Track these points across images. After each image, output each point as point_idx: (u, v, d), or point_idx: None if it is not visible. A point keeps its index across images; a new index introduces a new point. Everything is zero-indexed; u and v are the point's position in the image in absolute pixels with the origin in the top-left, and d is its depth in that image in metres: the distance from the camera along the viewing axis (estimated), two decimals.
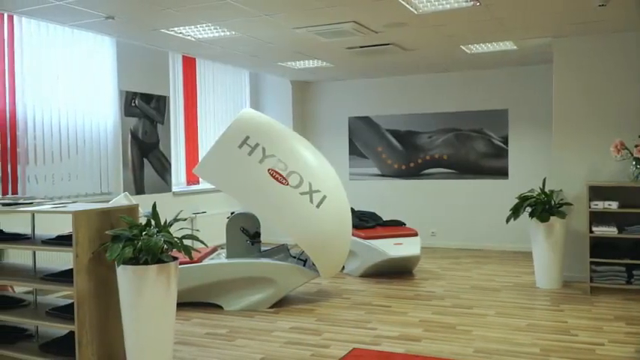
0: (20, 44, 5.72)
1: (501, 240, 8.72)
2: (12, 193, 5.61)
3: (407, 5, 5.16)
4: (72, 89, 6.32)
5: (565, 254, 6.29)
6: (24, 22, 5.72)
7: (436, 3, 5.17)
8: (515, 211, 6.35)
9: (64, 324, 3.79)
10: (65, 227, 3.91)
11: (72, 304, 3.74)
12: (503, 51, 7.32)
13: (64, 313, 3.85)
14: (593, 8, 5.34)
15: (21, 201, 4.32)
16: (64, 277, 3.87)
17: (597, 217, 6.13)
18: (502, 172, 8.78)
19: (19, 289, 4.88)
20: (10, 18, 5.59)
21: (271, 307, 5.60)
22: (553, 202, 6.22)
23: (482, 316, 5.20)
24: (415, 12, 5.37)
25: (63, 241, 3.86)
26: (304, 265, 5.73)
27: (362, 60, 7.85)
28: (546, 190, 6.36)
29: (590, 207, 5.99)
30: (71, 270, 3.71)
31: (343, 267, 6.86)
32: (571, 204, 6.32)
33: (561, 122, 6.59)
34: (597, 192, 6.13)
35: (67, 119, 6.27)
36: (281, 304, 5.68)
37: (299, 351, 4.37)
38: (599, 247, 6.01)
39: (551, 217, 6.11)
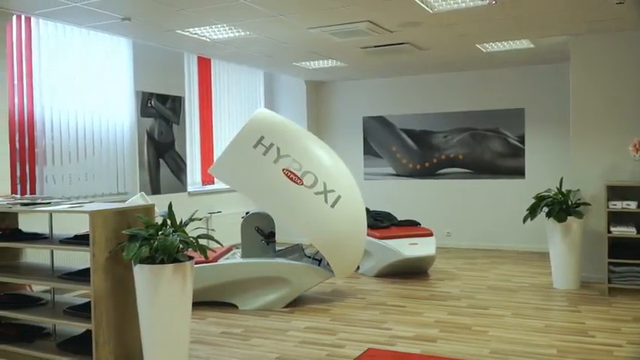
0: (37, 46, 5.79)
1: (518, 240, 8.65)
2: (30, 193, 5.68)
3: (422, 4, 5.14)
4: (89, 90, 6.38)
5: (582, 255, 6.23)
6: (41, 23, 5.78)
7: (451, 2, 5.15)
8: (532, 211, 6.30)
9: (81, 323, 3.82)
10: (82, 227, 3.94)
11: (89, 302, 3.77)
12: (520, 49, 7.26)
13: (82, 311, 3.89)
14: (611, 6, 5.28)
15: (39, 201, 4.37)
16: (82, 276, 3.90)
17: (616, 217, 6.05)
18: (518, 172, 8.71)
19: (37, 287, 4.93)
20: (28, 20, 5.65)
21: (286, 306, 5.61)
22: (570, 202, 6.16)
23: (498, 317, 5.16)
24: (430, 11, 5.35)
25: (80, 240, 3.90)
26: (319, 265, 5.73)
27: (376, 59, 7.83)
28: (563, 189, 6.30)
29: (608, 207, 5.93)
30: (88, 269, 3.74)
31: (358, 267, 6.85)
32: (589, 204, 6.26)
33: (579, 121, 6.52)
34: (615, 192, 6.05)
35: (84, 120, 6.33)
36: (296, 303, 5.69)
37: (314, 350, 4.37)
38: (618, 248, 5.94)
39: (569, 217, 6.05)
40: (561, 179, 6.50)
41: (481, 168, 8.96)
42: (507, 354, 4.20)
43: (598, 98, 6.44)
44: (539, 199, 6.33)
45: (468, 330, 4.80)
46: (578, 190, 6.42)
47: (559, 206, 6.12)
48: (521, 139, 8.68)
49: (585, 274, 6.36)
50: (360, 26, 5.80)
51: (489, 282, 6.59)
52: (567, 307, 5.47)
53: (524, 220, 6.31)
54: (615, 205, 5.91)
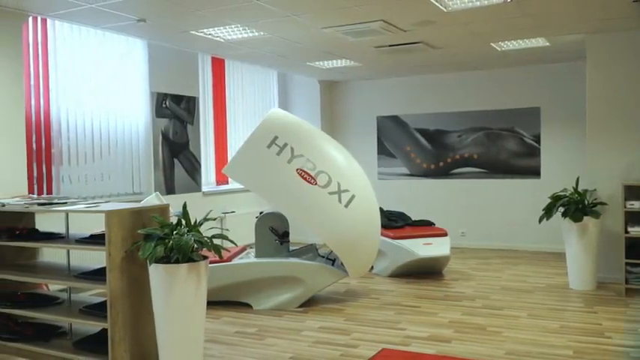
0: (53, 47, 5.84)
1: (533, 240, 8.58)
2: (47, 193, 5.73)
3: (436, 3, 5.11)
4: (104, 91, 6.43)
5: (599, 255, 6.16)
6: (57, 25, 5.84)
7: (466, 0, 5.12)
8: (548, 211, 6.25)
9: (97, 321, 3.85)
10: (98, 226, 3.97)
11: (105, 301, 3.80)
12: (535, 48, 7.20)
13: (97, 310, 3.92)
14: (627, 4, 5.22)
15: (55, 201, 4.41)
16: (98, 275, 3.94)
17: (633, 217, 5.98)
18: (534, 172, 8.64)
19: (54, 287, 4.98)
20: (44, 21, 5.71)
21: (300, 306, 5.61)
22: (586, 202, 6.10)
23: (513, 318, 5.13)
24: (444, 10, 5.32)
25: (96, 240, 3.93)
26: (333, 265, 5.73)
27: (390, 59, 7.81)
28: (580, 189, 6.23)
29: (625, 207, 5.86)
30: (104, 268, 3.77)
31: (372, 267, 6.83)
32: (605, 203, 6.19)
33: (595, 120, 6.45)
34: (633, 191, 5.98)
35: (100, 121, 6.38)
36: (310, 303, 5.69)
37: (328, 350, 4.37)
38: (635, 248, 5.86)
39: (585, 217, 5.99)
40: (577, 179, 6.43)
41: (496, 167, 8.90)
42: (522, 355, 4.17)
43: (615, 97, 6.36)
44: (556, 199, 6.27)
45: (483, 331, 4.77)
46: (595, 189, 6.35)
47: (575, 206, 6.06)
48: (537, 139, 8.61)
49: (602, 275, 6.29)
50: (374, 26, 5.79)
51: (504, 282, 6.55)
52: (583, 308, 5.42)
53: (540, 220, 6.26)
54: (633, 204, 5.84)
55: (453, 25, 5.93)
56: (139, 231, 3.78)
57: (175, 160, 7.32)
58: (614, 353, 4.17)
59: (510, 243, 8.79)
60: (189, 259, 3.70)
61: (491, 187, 8.93)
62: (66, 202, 4.30)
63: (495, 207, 8.90)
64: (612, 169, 6.34)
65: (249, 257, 5.82)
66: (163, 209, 4.12)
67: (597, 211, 6.04)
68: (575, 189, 6.22)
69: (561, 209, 6.18)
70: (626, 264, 5.85)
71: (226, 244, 4.09)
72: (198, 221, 3.93)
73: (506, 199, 8.82)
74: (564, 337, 4.56)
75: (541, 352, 4.22)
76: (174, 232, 3.78)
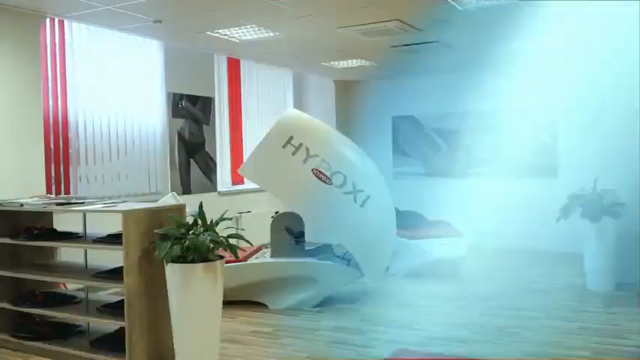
0: (71, 48, 5.89)
1: (551, 241, 8.47)
2: (64, 193, 5.79)
3: (451, 2, 5.09)
4: (121, 92, 6.47)
5: (617, 256, 6.07)
6: (74, 26, 5.89)
7: None
8: (566, 211, 6.18)
9: (114, 320, 3.88)
10: (115, 226, 4.00)
11: (122, 300, 3.82)
12: None
13: (115, 309, 3.95)
14: None
15: (73, 201, 4.45)
16: (115, 274, 3.96)
17: None
18: (552, 171, 8.55)
19: (72, 286, 5.03)
20: (61, 22, 5.76)
21: (315, 306, 5.60)
22: (605, 202, 6.02)
23: (531, 319, 5.07)
24: (460, 8, 5.29)
25: (113, 239, 3.96)
26: (348, 265, 5.71)
27: (406, 58, 7.78)
28: (598, 189, 6.15)
29: None
30: (121, 268, 3.80)
31: (387, 267, 6.81)
32: (624, 204, 6.10)
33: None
34: None
35: (117, 121, 6.43)
36: (325, 303, 5.67)
37: (344, 350, 4.36)
38: None
39: (604, 218, 5.92)
40: (596, 179, 6.34)
41: (513, 167, 8.81)
42: (540, 356, 4.13)
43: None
44: (573, 199, 6.20)
45: (501, 331, 4.73)
46: (614, 189, 6.25)
47: (593, 206, 5.98)
48: (555, 138, 8.52)
49: (620, 276, 6.19)
50: (390, 25, 5.77)
51: (522, 283, 6.49)
52: (602, 309, 5.36)
53: (557, 220, 6.19)
54: None
55: (469, 24, 5.89)
56: (155, 231, 3.80)
57: (191, 160, 7.36)
58: (632, 354, 4.12)
59: (527, 243, 8.69)
60: (205, 259, 3.71)
61: (508, 187, 8.83)
62: (83, 202, 4.34)
63: (512, 207, 8.80)
64: (632, 168, 6.23)
65: (265, 257, 5.83)
66: (179, 209, 4.14)
67: (616, 211, 5.96)
68: (594, 189, 6.14)
69: (579, 209, 6.11)
70: None
71: (242, 243, 4.09)
72: (214, 221, 3.94)
73: (522, 199, 8.72)
74: (582, 338, 4.51)
75: (559, 353, 4.18)
76: (191, 232, 3.80)
